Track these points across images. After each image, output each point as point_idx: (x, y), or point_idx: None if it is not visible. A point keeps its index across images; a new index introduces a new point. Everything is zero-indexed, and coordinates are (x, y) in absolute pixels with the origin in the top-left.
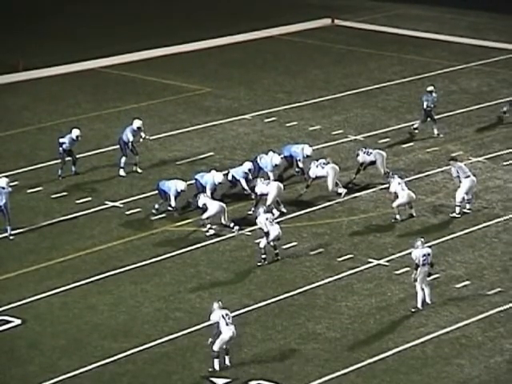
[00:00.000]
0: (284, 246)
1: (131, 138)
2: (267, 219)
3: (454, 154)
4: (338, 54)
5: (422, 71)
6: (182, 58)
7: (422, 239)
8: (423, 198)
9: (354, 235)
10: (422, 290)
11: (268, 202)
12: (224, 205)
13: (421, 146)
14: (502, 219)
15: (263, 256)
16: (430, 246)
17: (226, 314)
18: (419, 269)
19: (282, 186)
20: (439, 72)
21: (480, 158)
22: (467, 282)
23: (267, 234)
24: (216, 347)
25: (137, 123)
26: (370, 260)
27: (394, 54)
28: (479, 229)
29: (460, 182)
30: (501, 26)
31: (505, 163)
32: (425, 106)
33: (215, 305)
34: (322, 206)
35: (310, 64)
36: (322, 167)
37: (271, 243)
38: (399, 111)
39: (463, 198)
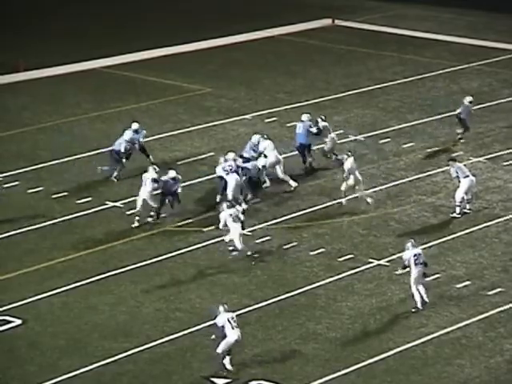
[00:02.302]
0: (285, 246)
1: (123, 149)
2: (231, 215)
3: (453, 155)
4: (339, 54)
5: (422, 71)
6: (182, 58)
7: (413, 240)
8: (423, 198)
9: (354, 235)
10: (418, 290)
11: (228, 197)
12: None
13: (421, 147)
14: (502, 219)
15: (231, 248)
16: (430, 247)
17: (232, 318)
18: (413, 270)
19: (239, 178)
20: (440, 72)
21: (480, 158)
22: (468, 282)
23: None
24: (220, 349)
25: (134, 126)
26: (371, 260)
27: (395, 54)
28: (479, 229)
29: (459, 182)
30: (501, 26)
31: (505, 163)
32: (462, 116)
33: (221, 308)
34: (322, 207)
35: (311, 64)
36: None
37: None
38: (400, 111)
39: (463, 198)
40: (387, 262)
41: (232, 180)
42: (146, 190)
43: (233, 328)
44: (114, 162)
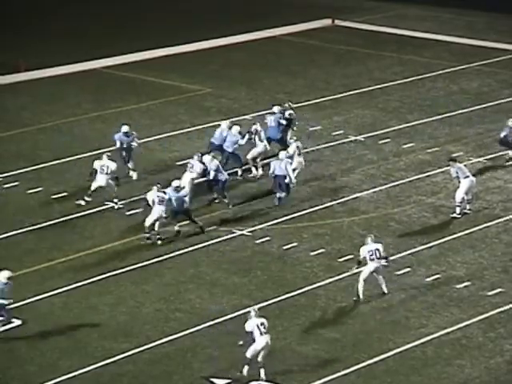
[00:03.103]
0: (285, 247)
1: (118, 145)
2: (158, 197)
3: (453, 155)
4: (339, 55)
5: (422, 71)
6: (182, 58)
7: (372, 236)
8: (424, 198)
9: (354, 236)
10: (377, 280)
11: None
12: None
13: (421, 147)
14: (502, 220)
15: (147, 235)
16: (430, 247)
17: (262, 324)
18: (368, 264)
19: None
20: (440, 72)
21: (480, 159)
22: (468, 283)
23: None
24: (249, 354)
25: (124, 128)
26: (388, 263)
27: (394, 54)
28: (480, 229)
29: (459, 182)
30: (501, 26)
31: (505, 164)
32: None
33: (252, 313)
34: (322, 207)
35: (311, 64)
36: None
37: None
38: (400, 111)
39: (463, 199)
40: (387, 262)
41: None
42: (157, 211)
43: (261, 334)
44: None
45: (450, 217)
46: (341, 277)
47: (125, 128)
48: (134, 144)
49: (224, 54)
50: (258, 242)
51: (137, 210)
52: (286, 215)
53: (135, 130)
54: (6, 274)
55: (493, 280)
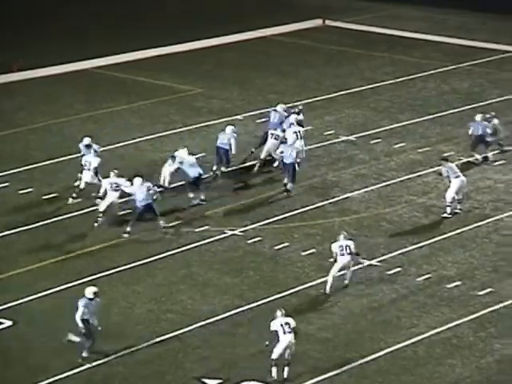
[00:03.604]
0: (276, 247)
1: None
2: (112, 183)
3: (445, 155)
4: (330, 55)
5: (413, 71)
6: (174, 58)
7: (345, 233)
8: (415, 198)
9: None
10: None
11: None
12: None
13: (412, 147)
14: (492, 219)
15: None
16: (421, 247)
17: (286, 323)
18: (338, 259)
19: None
20: (431, 72)
21: (471, 159)
22: (458, 283)
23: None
24: (274, 355)
25: (85, 141)
26: (361, 260)
27: (385, 54)
28: (470, 229)
29: (450, 182)
30: (491, 26)
31: (495, 163)
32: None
33: (278, 312)
34: (313, 207)
35: (302, 64)
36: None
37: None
38: (391, 111)
39: (454, 198)
40: (378, 262)
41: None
42: (111, 196)
43: (284, 333)
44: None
45: (441, 217)
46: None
47: (86, 140)
48: (92, 159)
49: (215, 54)
50: (249, 242)
51: (128, 211)
52: (277, 215)
53: (127, 130)
54: (92, 289)
55: (483, 280)
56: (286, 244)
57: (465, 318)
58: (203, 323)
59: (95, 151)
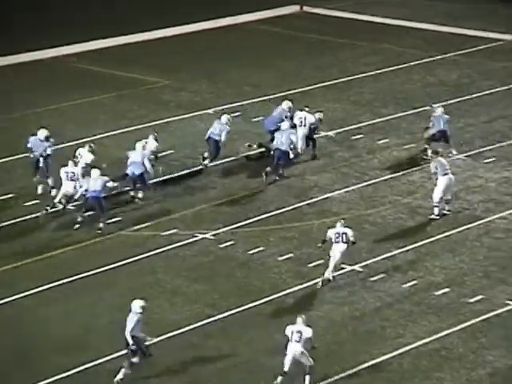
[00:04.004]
0: (250, 252)
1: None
2: (68, 172)
3: (439, 149)
4: (308, 44)
5: (397, 62)
6: (138, 47)
7: (342, 221)
8: (399, 198)
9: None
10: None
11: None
12: None
13: (397, 143)
14: (483, 221)
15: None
16: (407, 251)
17: (298, 331)
18: (333, 246)
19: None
20: (416, 62)
21: (460, 156)
22: (447, 289)
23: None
24: (285, 367)
25: (41, 133)
26: (343, 266)
27: (367, 43)
28: (459, 232)
29: (436, 179)
30: (481, 13)
31: (486, 161)
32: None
33: (298, 319)
34: (290, 208)
35: (278, 54)
36: None
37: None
38: (373, 105)
39: (441, 198)
40: (361, 267)
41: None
42: (65, 186)
43: (291, 341)
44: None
45: (428, 218)
46: (311, 283)
47: (42, 133)
48: (49, 152)
49: (184, 43)
50: (221, 246)
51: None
52: (251, 217)
53: (88, 125)
54: (140, 303)
55: (474, 286)
56: (261, 248)
57: (454, 327)
58: (171, 335)
59: (49, 146)
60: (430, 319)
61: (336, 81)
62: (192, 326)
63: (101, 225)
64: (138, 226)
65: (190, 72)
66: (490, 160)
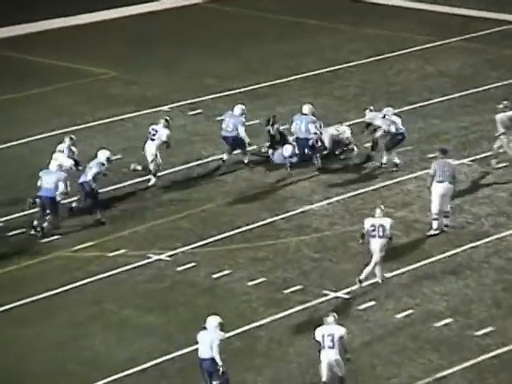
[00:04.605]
0: (214, 275)
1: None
2: None
3: (444, 147)
4: (282, 27)
5: (388, 49)
6: (79, 31)
7: (382, 207)
8: (392, 211)
9: (304, 260)
10: (375, 265)
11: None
12: None
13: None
14: (492, 238)
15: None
16: (402, 273)
17: (329, 335)
18: (370, 242)
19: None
20: (411, 50)
21: (464, 160)
22: (449, 320)
23: None
24: (323, 378)
25: None
26: (325, 292)
27: (353, 26)
28: (464, 251)
29: (430, 185)
30: None
31: (495, 166)
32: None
33: (329, 318)
34: (262, 223)
35: (246, 40)
36: None
37: None
38: (360, 100)
39: (440, 210)
40: (346, 294)
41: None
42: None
43: (324, 348)
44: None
45: (426, 235)
46: (287, 313)
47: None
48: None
49: (134, 28)
50: (179, 269)
51: (21, 230)
52: (214, 235)
53: (18, 125)
54: (217, 319)
55: (481, 316)
56: (227, 271)
57: (458, 365)
58: (119, 376)
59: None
60: (428, 356)
61: (315, 72)
62: (144, 366)
63: (32, 232)
64: (80, 246)
65: (142, 61)
66: (501, 165)
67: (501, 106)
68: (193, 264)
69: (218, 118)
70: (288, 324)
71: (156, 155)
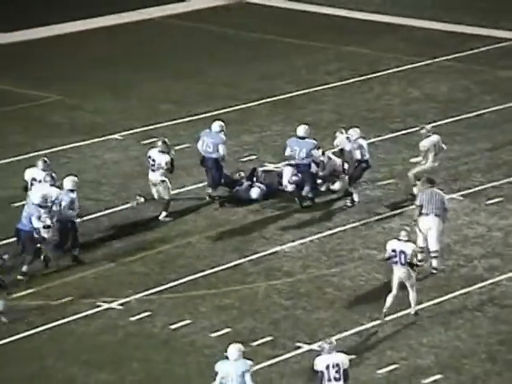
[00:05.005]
0: (172, 326)
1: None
2: None
3: (431, 177)
4: (250, 45)
5: (368, 69)
6: (18, 49)
7: (408, 229)
8: (374, 252)
9: (274, 308)
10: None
11: None
12: None
13: (369, 178)
14: (486, 283)
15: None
16: (385, 323)
17: (336, 365)
18: (393, 267)
19: None
20: (394, 70)
21: (454, 195)
22: (438, 376)
23: None
24: None
25: None
26: (298, 344)
27: (329, 44)
28: (454, 297)
29: (414, 221)
30: (483, 6)
31: (488, 202)
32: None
33: (325, 345)
34: (226, 266)
35: (209, 60)
36: None
37: None
38: (335, 127)
39: (426, 249)
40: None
41: None
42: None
43: (330, 380)
44: None
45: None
46: (255, 368)
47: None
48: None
49: (81, 45)
50: (132, 319)
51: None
52: (173, 279)
53: None
54: (239, 347)
55: (474, 372)
56: (187, 321)
57: None
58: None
59: None
60: None
61: (286, 95)
62: None
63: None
64: (19, 294)
65: (90, 83)
66: (495, 201)
67: (423, 131)
68: (148, 313)
69: (178, 148)
70: (256, 380)
71: (164, 181)
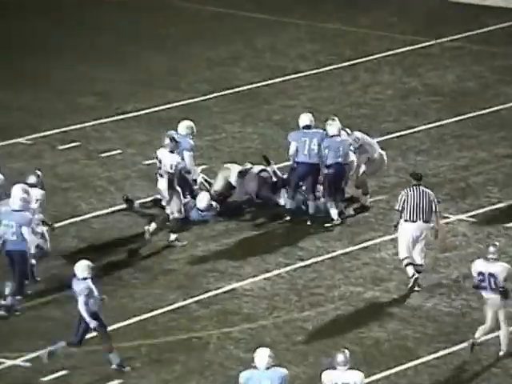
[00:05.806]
0: None
1: None
2: None
3: (417, 172)
4: (202, 23)
5: (352, 53)
6: None
7: (496, 245)
8: (358, 289)
9: (229, 363)
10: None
11: None
12: None
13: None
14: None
15: None
16: (376, 381)
17: None
18: (483, 294)
19: None
20: (385, 54)
21: (463, 216)
22: None
23: None
24: None
25: None
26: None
27: (302, 20)
28: (463, 348)
29: (394, 226)
30: None
31: (508, 225)
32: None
33: (339, 357)
34: (169, 309)
35: (149, 42)
36: None
37: None
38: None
39: (408, 259)
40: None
41: None
42: None
43: None
44: None
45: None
46: None
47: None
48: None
49: None
50: (45, 379)
51: None
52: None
53: None
54: (267, 352)
55: None
56: (116, 381)
57: None
58: None
59: None
60: None
61: (247, 87)
62: None
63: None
64: None
65: None
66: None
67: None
68: (65, 372)
69: (104, 155)
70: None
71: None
